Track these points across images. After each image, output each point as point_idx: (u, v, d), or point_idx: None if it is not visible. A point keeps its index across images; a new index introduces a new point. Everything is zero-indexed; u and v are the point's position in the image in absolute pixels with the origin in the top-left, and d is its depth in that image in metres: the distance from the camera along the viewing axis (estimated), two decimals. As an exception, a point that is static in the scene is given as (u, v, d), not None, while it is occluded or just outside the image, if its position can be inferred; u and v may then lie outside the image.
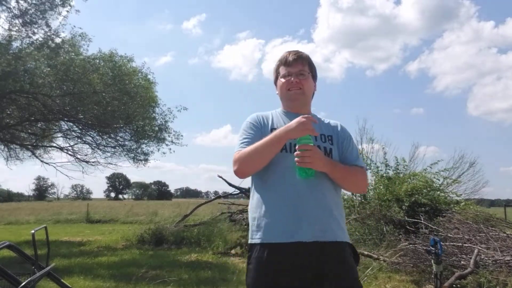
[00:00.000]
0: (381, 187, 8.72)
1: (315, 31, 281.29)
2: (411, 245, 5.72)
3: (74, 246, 9.19)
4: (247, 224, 3.38)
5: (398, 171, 9.10)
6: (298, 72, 1.70)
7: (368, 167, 9.68)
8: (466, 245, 5.28)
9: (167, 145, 12.42)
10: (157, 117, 12.28)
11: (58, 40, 9.57)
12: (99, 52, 11.08)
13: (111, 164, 13.00)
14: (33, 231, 2.15)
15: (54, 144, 13.23)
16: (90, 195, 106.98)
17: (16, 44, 9.29)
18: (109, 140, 12.55)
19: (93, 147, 12.63)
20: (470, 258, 4.81)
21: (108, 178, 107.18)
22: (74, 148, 12.87)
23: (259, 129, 1.68)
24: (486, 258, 4.84)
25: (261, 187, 1.60)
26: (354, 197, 9.45)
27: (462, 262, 4.95)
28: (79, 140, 12.63)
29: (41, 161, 13.00)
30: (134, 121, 11.37)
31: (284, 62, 1.74)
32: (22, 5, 8.82)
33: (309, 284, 1.45)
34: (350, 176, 1.63)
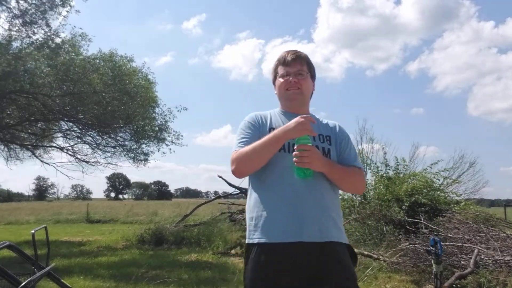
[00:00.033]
0: (381, 187, 8.72)
1: (315, 31, 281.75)
2: (411, 245, 5.72)
3: (74, 246, 9.19)
4: (247, 224, 3.37)
5: (398, 171, 9.10)
6: (296, 72, 1.70)
7: (368, 167, 9.68)
8: (466, 245, 5.28)
9: (167, 145, 12.43)
10: (157, 117, 12.29)
11: (58, 40, 9.58)
12: (99, 52, 11.09)
13: (111, 164, 13.02)
14: (33, 231, 2.15)
15: (54, 144, 13.24)
16: (90, 195, 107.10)
17: (16, 44, 9.30)
18: (109, 140, 12.55)
19: (93, 147, 12.64)
20: (470, 258, 4.81)
21: (108, 178, 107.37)
22: (74, 148, 12.89)
23: (257, 128, 1.68)
24: (486, 258, 4.84)
25: (259, 186, 1.60)
26: (354, 197, 9.45)
27: (462, 262, 4.95)
28: (79, 140, 12.64)
29: (41, 161, 13.01)
30: (134, 121, 11.37)
31: (282, 61, 1.73)
32: (22, 5, 8.82)
33: (307, 284, 1.44)
34: (348, 177, 1.63)
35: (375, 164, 9.51)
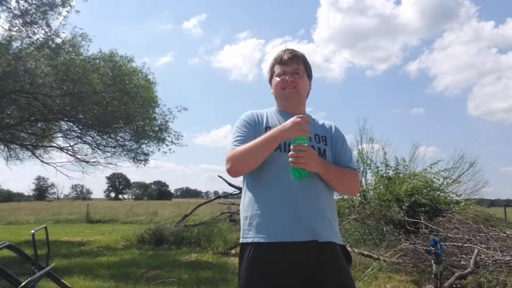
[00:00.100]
0: (381, 187, 8.73)
1: (315, 31, 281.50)
2: (411, 245, 5.72)
3: (74, 246, 9.19)
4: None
5: (398, 171, 9.11)
6: (293, 71, 1.69)
7: (368, 167, 9.69)
8: (466, 245, 5.28)
9: (167, 145, 12.44)
10: (157, 117, 12.30)
11: (58, 40, 9.59)
12: (99, 52, 11.10)
13: (111, 164, 13.03)
14: (33, 231, 2.15)
15: (54, 144, 13.25)
16: (90, 195, 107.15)
17: (16, 44, 9.31)
18: (109, 140, 12.55)
19: (93, 147, 12.64)
20: (470, 258, 4.81)
21: (108, 178, 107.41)
22: (74, 148, 12.89)
23: (253, 127, 1.67)
24: (486, 258, 4.84)
25: (254, 186, 1.59)
26: (354, 197, 9.46)
27: (462, 262, 4.95)
28: (79, 140, 12.64)
29: (41, 161, 13.01)
30: (134, 121, 11.38)
31: (279, 60, 1.73)
32: (22, 5, 8.83)
33: (301, 284, 1.44)
34: (343, 178, 1.63)
35: (375, 164, 9.52)
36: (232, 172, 1.58)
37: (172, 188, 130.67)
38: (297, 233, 1.45)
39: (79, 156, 12.79)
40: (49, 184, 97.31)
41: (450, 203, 8.08)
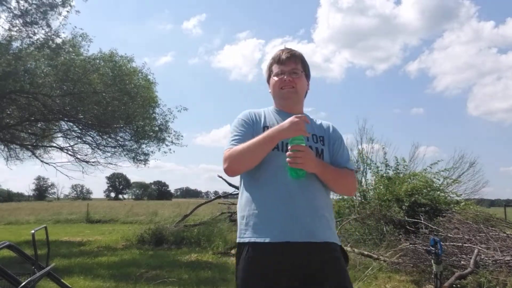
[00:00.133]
0: (381, 187, 8.73)
1: (315, 31, 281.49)
2: (411, 245, 5.72)
3: (74, 246, 9.19)
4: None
5: (398, 171, 9.11)
6: (291, 71, 1.68)
7: (368, 167, 9.69)
8: (466, 245, 5.28)
9: (167, 145, 12.45)
10: (157, 117, 12.30)
11: (58, 40, 9.59)
12: (100, 52, 11.10)
13: (111, 164, 13.03)
14: (33, 231, 2.15)
15: (54, 144, 13.24)
16: (90, 195, 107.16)
17: (16, 44, 9.31)
18: (109, 140, 12.55)
19: (93, 147, 12.64)
20: (470, 258, 4.81)
21: (108, 178, 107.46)
22: (74, 148, 12.89)
23: (251, 126, 1.66)
24: (486, 258, 4.84)
25: (252, 185, 1.58)
26: (354, 197, 9.46)
27: (462, 262, 4.95)
28: (79, 140, 12.64)
29: (41, 161, 13.01)
30: (134, 121, 11.38)
31: (277, 60, 1.72)
32: (22, 5, 8.83)
33: (300, 285, 1.44)
34: (340, 178, 1.63)
35: (375, 164, 9.53)
36: (230, 171, 1.58)
37: (172, 188, 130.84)
38: (295, 233, 1.45)
39: (79, 156, 12.81)
40: (49, 184, 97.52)
41: (450, 203, 8.08)
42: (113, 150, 12.64)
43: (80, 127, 12.14)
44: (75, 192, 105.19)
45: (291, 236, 1.44)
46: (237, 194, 1.71)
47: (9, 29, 8.93)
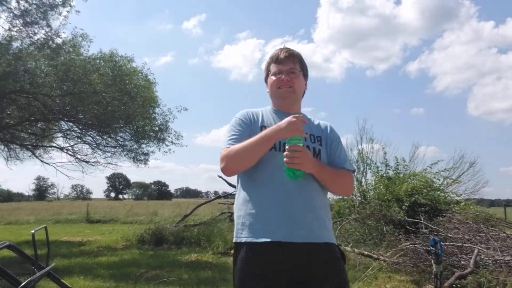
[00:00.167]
0: (381, 187, 8.72)
1: (315, 31, 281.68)
2: (411, 245, 5.72)
3: (74, 246, 9.19)
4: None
5: (398, 171, 9.11)
6: (289, 70, 1.68)
7: (368, 167, 9.69)
8: (466, 245, 5.28)
9: (167, 145, 12.45)
10: (157, 117, 12.31)
11: (59, 40, 9.60)
12: (100, 52, 11.11)
13: (111, 164, 13.03)
14: (33, 231, 2.15)
15: (54, 144, 13.25)
16: (90, 195, 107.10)
17: (16, 44, 9.31)
18: (109, 140, 12.56)
19: (93, 147, 12.64)
20: (470, 258, 4.81)
21: (108, 178, 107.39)
22: (74, 148, 12.89)
23: (248, 125, 1.65)
24: (486, 258, 4.84)
25: (249, 185, 1.57)
26: (354, 197, 9.46)
27: (462, 262, 4.95)
28: (79, 140, 12.64)
29: (41, 161, 13.01)
30: (134, 121, 11.38)
31: (275, 59, 1.71)
32: (23, 6, 8.83)
33: (297, 285, 1.44)
34: (337, 179, 1.62)
35: (375, 164, 9.52)
36: (226, 171, 1.57)
37: (172, 188, 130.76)
38: (293, 233, 1.44)
39: (79, 156, 12.81)
40: (49, 184, 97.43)
41: (450, 203, 8.08)
42: (113, 150, 12.65)
43: (80, 127, 12.15)
44: (75, 192, 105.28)
45: (288, 236, 1.44)
46: (237, 194, 1.70)
47: (9, 29, 8.94)
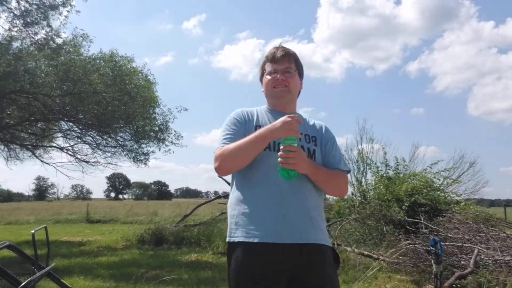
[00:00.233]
0: (381, 187, 8.72)
1: (315, 31, 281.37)
2: (411, 245, 5.72)
3: (74, 246, 9.20)
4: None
5: (398, 171, 9.10)
6: (284, 70, 1.67)
7: (368, 167, 9.69)
8: (466, 245, 5.28)
9: (166, 145, 12.46)
10: (157, 117, 12.31)
11: (59, 40, 9.60)
12: (100, 53, 11.12)
13: (111, 164, 13.03)
14: (33, 231, 2.15)
15: (54, 144, 13.25)
16: (90, 195, 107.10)
17: (16, 44, 9.31)
18: (109, 140, 12.56)
19: (93, 147, 12.65)
20: (470, 258, 4.81)
21: (108, 178, 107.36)
22: (74, 148, 12.90)
23: (243, 125, 1.65)
24: (486, 258, 4.84)
25: (243, 185, 1.57)
26: (354, 197, 9.46)
27: (462, 262, 4.95)
28: (79, 140, 12.65)
29: (41, 161, 13.02)
30: (134, 121, 11.38)
31: (270, 58, 1.70)
32: (23, 6, 8.83)
33: (289, 285, 1.44)
34: (331, 179, 1.61)
35: (375, 164, 9.52)
36: (220, 170, 1.56)
37: (172, 188, 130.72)
38: (286, 234, 1.44)
39: (79, 156, 12.81)
40: (49, 184, 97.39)
41: (450, 203, 8.07)
42: (113, 150, 12.66)
43: (80, 127, 12.15)
44: (75, 192, 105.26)
45: (282, 237, 1.43)
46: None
47: (9, 29, 8.94)
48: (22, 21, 8.88)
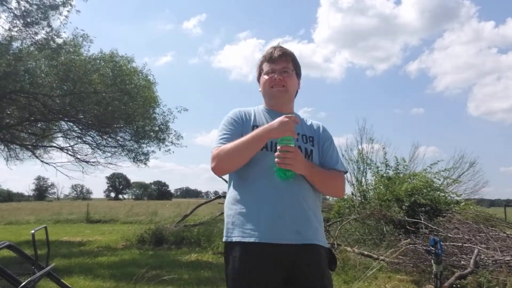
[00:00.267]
0: (381, 187, 8.72)
1: (315, 31, 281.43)
2: (411, 245, 5.72)
3: (74, 246, 9.20)
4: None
5: (398, 171, 9.10)
6: (281, 69, 1.66)
7: (368, 167, 9.68)
8: (466, 245, 5.28)
9: (166, 145, 12.46)
10: (157, 117, 12.31)
11: (59, 40, 9.60)
12: (100, 53, 11.12)
13: (111, 164, 13.03)
14: (33, 231, 2.15)
15: (54, 144, 13.25)
16: (90, 195, 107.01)
17: (16, 44, 9.31)
18: (109, 140, 12.56)
19: (93, 147, 12.65)
20: (470, 258, 4.81)
21: (108, 178, 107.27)
22: (74, 148, 12.90)
23: (240, 125, 1.64)
24: (486, 258, 4.84)
25: (240, 184, 1.57)
26: (354, 197, 9.46)
27: (462, 262, 4.95)
28: (79, 140, 12.65)
29: (41, 161, 13.01)
30: (135, 121, 11.38)
31: (268, 58, 1.70)
32: (23, 6, 8.83)
33: (287, 285, 1.45)
34: (328, 180, 1.61)
35: (375, 164, 9.51)
36: (217, 170, 1.55)
37: (172, 188, 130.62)
38: (282, 234, 1.44)
39: (79, 156, 12.81)
40: (49, 184, 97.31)
41: (450, 203, 8.07)
42: (113, 150, 12.66)
43: (80, 127, 12.15)
44: (75, 192, 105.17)
45: (278, 237, 1.44)
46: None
47: (9, 29, 8.94)
48: (22, 21, 8.88)
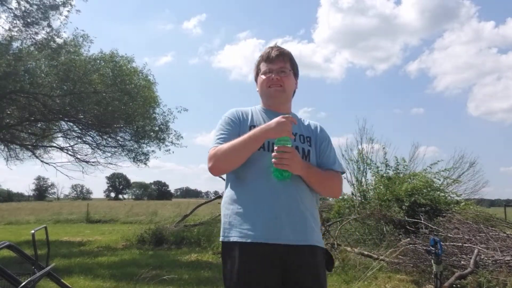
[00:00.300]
0: (381, 187, 8.72)
1: (315, 31, 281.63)
2: (411, 245, 5.72)
3: (74, 246, 9.19)
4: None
5: (398, 171, 9.10)
6: (279, 69, 1.66)
7: (368, 167, 9.68)
8: (466, 245, 5.28)
9: (166, 145, 12.45)
10: (157, 117, 12.31)
11: (59, 40, 9.60)
12: (100, 53, 11.12)
13: (111, 164, 13.03)
14: (33, 231, 2.14)
15: (54, 144, 13.24)
16: (90, 195, 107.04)
17: (16, 44, 9.31)
18: (109, 140, 12.56)
19: (93, 147, 12.65)
20: (470, 258, 4.81)
21: (108, 178, 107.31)
22: (74, 148, 12.90)
23: (237, 125, 1.64)
24: (486, 258, 4.84)
25: (237, 185, 1.57)
26: (354, 197, 9.46)
27: (462, 262, 4.95)
28: (79, 140, 12.65)
29: (41, 161, 13.01)
30: (135, 121, 11.38)
31: (265, 58, 1.70)
32: (23, 6, 8.83)
33: (284, 285, 1.45)
34: (325, 181, 1.61)
35: (375, 164, 9.51)
36: (214, 170, 1.55)
37: (172, 188, 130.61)
38: (279, 235, 1.44)
39: (79, 156, 12.81)
40: (49, 184, 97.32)
41: (450, 203, 8.06)
42: (113, 150, 12.65)
43: (80, 127, 12.15)
44: (75, 192, 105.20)
45: (275, 237, 1.44)
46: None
47: (10, 30, 8.94)
48: (22, 21, 8.88)
